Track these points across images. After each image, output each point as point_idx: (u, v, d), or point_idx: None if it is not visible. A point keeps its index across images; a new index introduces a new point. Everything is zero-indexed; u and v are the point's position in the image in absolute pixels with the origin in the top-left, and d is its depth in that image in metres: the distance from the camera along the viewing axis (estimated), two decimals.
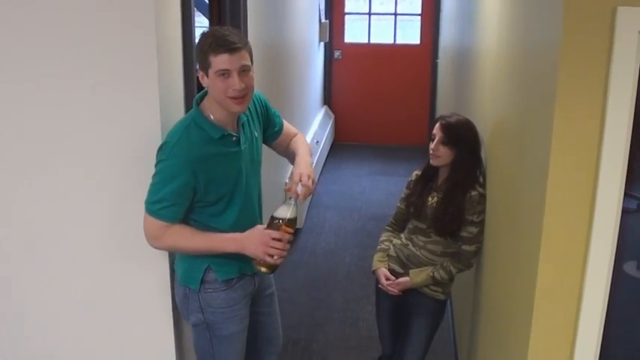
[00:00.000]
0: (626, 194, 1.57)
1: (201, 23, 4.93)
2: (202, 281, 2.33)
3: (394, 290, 2.77)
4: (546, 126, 1.60)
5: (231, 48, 2.07)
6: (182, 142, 2.15)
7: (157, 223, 2.19)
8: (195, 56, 2.45)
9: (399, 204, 2.91)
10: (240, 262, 2.33)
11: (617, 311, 1.68)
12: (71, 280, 2.43)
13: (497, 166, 2.51)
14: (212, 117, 2.21)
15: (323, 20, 7.16)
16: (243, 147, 2.29)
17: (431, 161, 2.71)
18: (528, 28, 1.99)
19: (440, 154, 2.66)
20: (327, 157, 7.08)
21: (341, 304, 4.27)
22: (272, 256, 2.19)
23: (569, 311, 1.66)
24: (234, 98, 2.13)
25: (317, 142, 6.45)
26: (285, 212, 2.21)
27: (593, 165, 1.55)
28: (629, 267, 1.77)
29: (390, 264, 2.83)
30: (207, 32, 2.17)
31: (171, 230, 2.21)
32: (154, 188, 2.17)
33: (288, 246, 2.21)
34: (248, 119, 2.36)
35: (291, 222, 2.22)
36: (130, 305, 2.47)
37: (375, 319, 3.04)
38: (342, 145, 7.68)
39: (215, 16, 3.39)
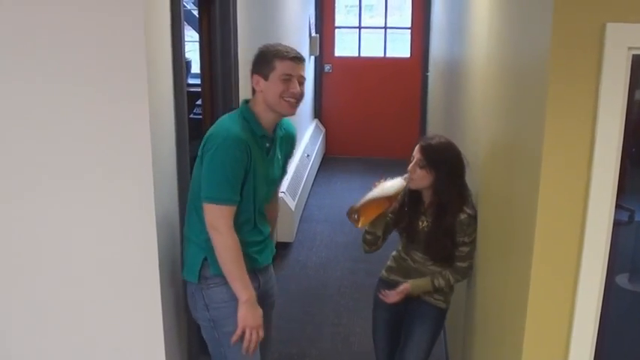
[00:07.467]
0: (617, 206, 1.57)
1: (192, 37, 4.95)
2: (201, 276, 2.38)
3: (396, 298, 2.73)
4: (537, 139, 1.61)
5: (296, 57, 2.37)
6: (233, 128, 2.30)
7: (221, 210, 2.25)
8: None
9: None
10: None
11: (609, 324, 1.68)
12: (60, 287, 2.39)
13: (489, 181, 2.52)
14: (257, 118, 2.36)
15: (313, 34, 7.18)
16: (269, 156, 2.41)
17: (408, 184, 2.67)
18: (517, 43, 2.00)
19: (415, 176, 2.62)
20: (317, 170, 7.08)
21: (332, 318, 4.25)
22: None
23: (561, 324, 1.65)
24: (288, 101, 2.34)
25: (308, 155, 6.44)
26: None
27: (585, 177, 1.55)
28: (622, 279, 1.78)
29: (392, 276, 2.83)
30: (270, 44, 2.41)
31: (232, 237, 2.28)
32: (212, 175, 2.24)
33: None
34: (281, 140, 2.47)
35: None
36: (120, 310, 2.43)
37: (371, 332, 2.99)
38: (333, 158, 7.68)
39: (205, 29, 3.39)
